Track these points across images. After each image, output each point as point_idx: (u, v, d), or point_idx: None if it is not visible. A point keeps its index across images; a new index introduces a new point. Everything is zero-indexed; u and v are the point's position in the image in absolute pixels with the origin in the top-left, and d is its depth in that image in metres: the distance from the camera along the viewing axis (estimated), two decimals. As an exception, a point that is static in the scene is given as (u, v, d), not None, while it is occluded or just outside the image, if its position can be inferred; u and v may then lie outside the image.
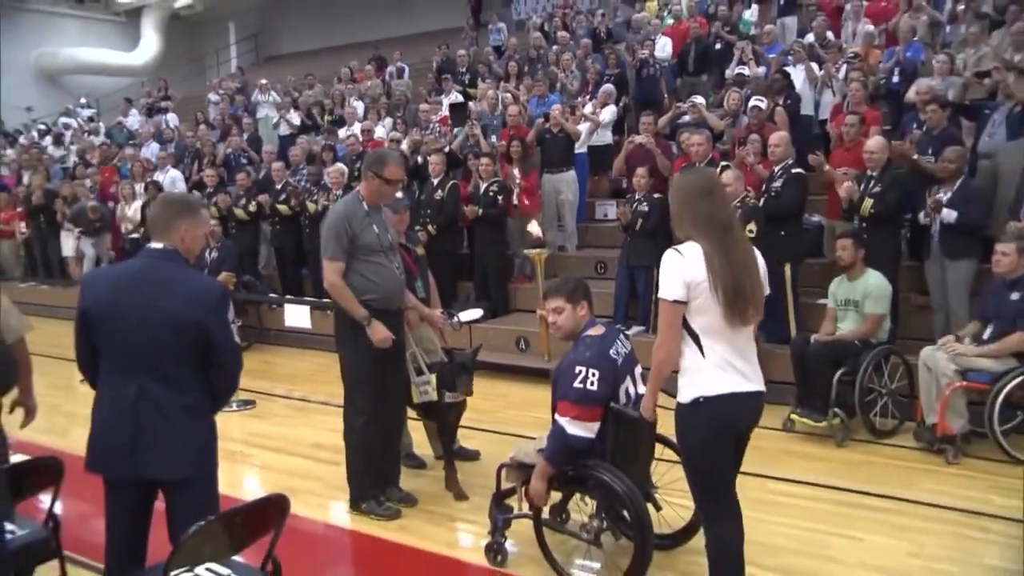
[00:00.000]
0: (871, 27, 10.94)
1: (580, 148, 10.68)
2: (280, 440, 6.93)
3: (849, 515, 5.06)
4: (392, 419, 5.36)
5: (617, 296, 8.47)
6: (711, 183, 3.64)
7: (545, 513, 4.35)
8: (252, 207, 11.16)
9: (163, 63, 26.57)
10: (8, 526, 3.46)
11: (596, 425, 3.97)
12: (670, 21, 13.95)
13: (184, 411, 3.30)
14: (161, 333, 3.23)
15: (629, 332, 7.25)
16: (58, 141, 18.05)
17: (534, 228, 8.21)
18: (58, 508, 3.79)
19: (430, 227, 9.48)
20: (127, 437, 3.25)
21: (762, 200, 7.46)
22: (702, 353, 3.45)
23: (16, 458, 3.75)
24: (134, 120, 18.49)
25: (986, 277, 6.69)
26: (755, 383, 3.55)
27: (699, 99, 10.40)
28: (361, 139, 11.81)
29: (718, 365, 3.45)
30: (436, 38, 18.79)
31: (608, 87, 11.37)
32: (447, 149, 10.63)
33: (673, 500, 4.35)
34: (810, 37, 11.55)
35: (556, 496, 4.35)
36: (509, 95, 11.92)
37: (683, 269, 3.40)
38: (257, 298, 10.73)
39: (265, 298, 10.87)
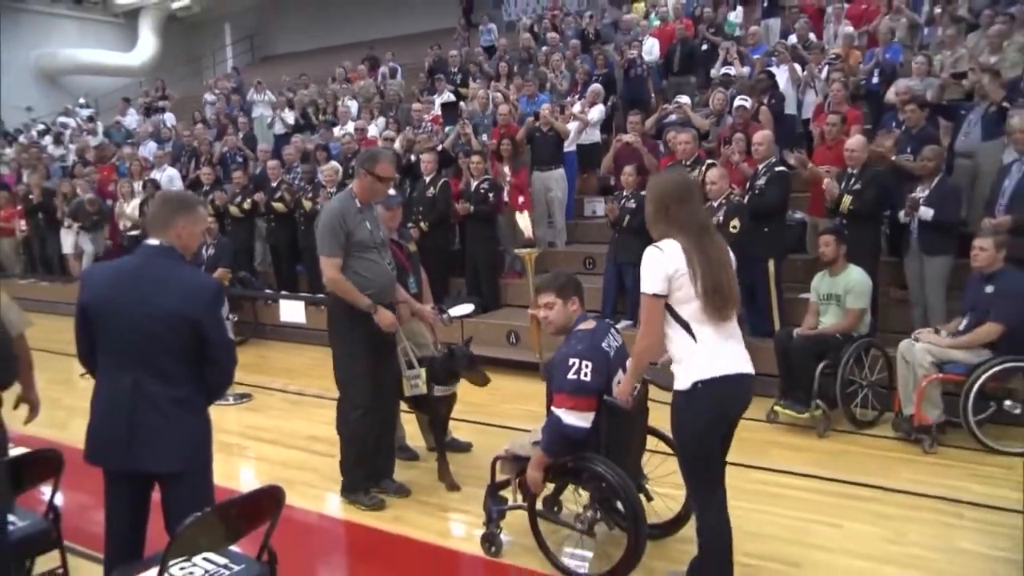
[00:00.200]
0: (851, 29, 11.05)
1: (569, 146, 10.80)
2: (276, 433, 6.99)
3: (830, 503, 5.14)
4: (385, 412, 5.43)
5: (605, 291, 8.58)
6: (688, 187, 3.73)
7: (538, 504, 4.42)
8: (248, 205, 11.26)
9: (160, 63, 26.53)
10: (9, 517, 3.52)
11: (591, 415, 4.01)
12: (657, 23, 14.01)
13: (179, 405, 3.33)
14: (156, 329, 3.25)
15: (618, 326, 7.34)
16: (58, 140, 18.08)
17: (525, 227, 8.30)
18: (58, 500, 3.84)
19: (422, 224, 9.54)
20: (123, 431, 3.29)
21: (746, 197, 7.58)
22: (694, 338, 3.56)
23: (16, 451, 3.72)
24: (132, 120, 18.51)
25: (962, 272, 6.84)
26: (747, 366, 3.68)
27: (684, 99, 10.50)
28: (355, 138, 11.90)
29: (710, 349, 3.56)
30: (428, 39, 18.82)
31: (596, 87, 11.46)
32: (439, 147, 10.71)
33: (663, 491, 4.43)
34: (793, 38, 11.66)
35: (550, 487, 4.41)
36: (500, 94, 12.02)
37: (663, 263, 3.53)
38: (253, 294, 10.79)
39: (261, 294, 10.93)
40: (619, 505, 4.16)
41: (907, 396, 6.08)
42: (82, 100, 22.24)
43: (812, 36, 11.59)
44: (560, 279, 4.37)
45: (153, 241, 3.43)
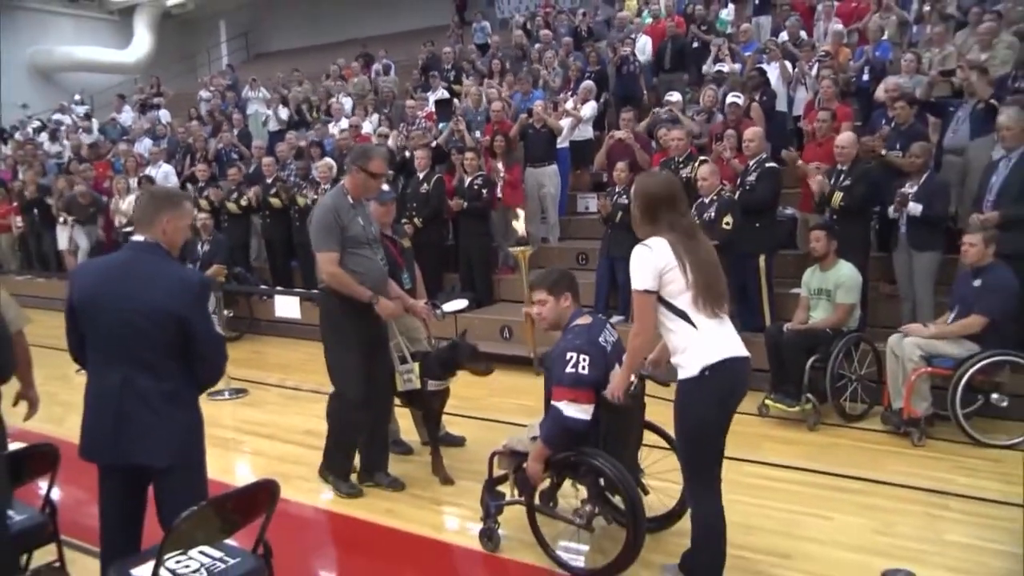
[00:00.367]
0: (840, 26, 11.09)
1: (562, 143, 10.83)
2: (272, 427, 7.01)
3: (820, 496, 5.18)
4: (378, 407, 5.47)
5: (598, 286, 8.64)
6: (673, 192, 3.77)
7: (535, 499, 4.44)
8: (244, 201, 11.30)
9: (155, 60, 26.52)
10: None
11: (591, 407, 4.03)
12: (649, 20, 14.04)
13: (167, 400, 3.34)
14: (143, 325, 3.26)
15: (611, 321, 7.39)
16: (53, 137, 18.08)
17: (519, 226, 8.34)
18: (55, 494, 3.88)
19: (416, 220, 9.56)
20: (112, 426, 3.31)
21: (737, 193, 7.63)
22: (694, 326, 3.61)
23: (13, 446, 3.74)
24: (127, 116, 18.52)
25: (951, 268, 6.92)
26: (744, 350, 3.73)
27: (675, 96, 10.55)
28: (349, 134, 11.92)
29: (711, 335, 3.62)
30: (422, 36, 18.82)
31: (589, 83, 11.48)
32: (433, 144, 10.76)
33: (659, 485, 4.46)
34: (784, 36, 11.70)
35: (547, 483, 4.42)
36: (494, 91, 12.06)
37: (652, 259, 3.59)
38: (248, 289, 10.81)
39: (256, 289, 10.94)
40: (616, 499, 4.20)
41: (896, 390, 6.13)
42: (77, 97, 22.22)
43: (803, 34, 11.62)
44: (552, 276, 4.40)
45: (139, 237, 3.44)
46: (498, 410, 7.06)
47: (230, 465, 6.28)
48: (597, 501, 4.24)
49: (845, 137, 7.44)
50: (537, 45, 14.28)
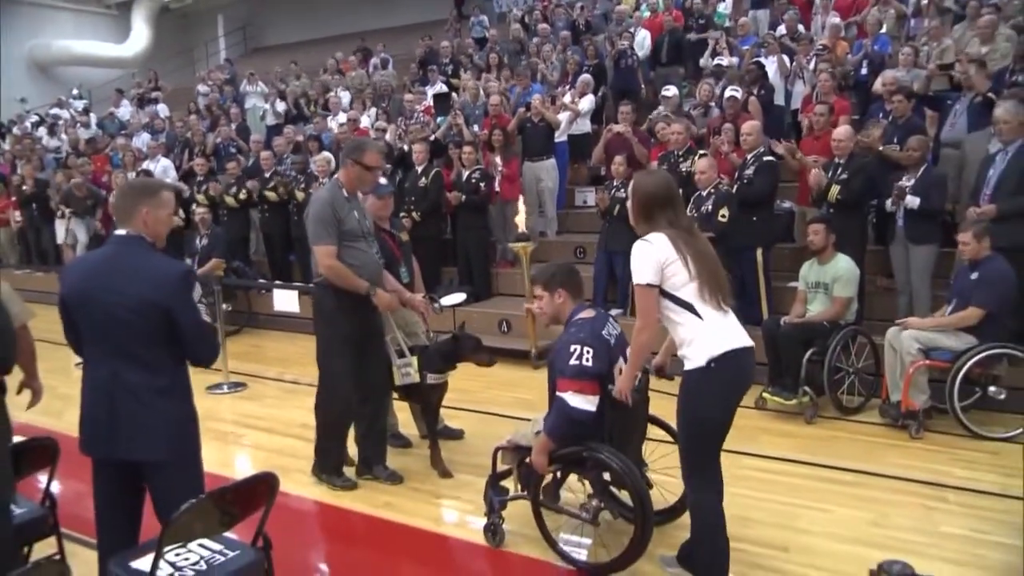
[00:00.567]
0: (838, 20, 11.08)
1: (560, 137, 10.86)
2: (271, 421, 7.03)
3: (818, 488, 5.21)
4: (374, 401, 5.49)
5: (596, 280, 8.66)
6: (670, 191, 3.79)
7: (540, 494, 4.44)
8: (242, 195, 11.30)
9: (153, 55, 26.39)
10: (7, 504, 3.56)
11: (596, 399, 4.03)
12: (647, 14, 14.03)
13: (158, 394, 3.34)
14: (129, 318, 3.27)
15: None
16: (52, 131, 18.07)
17: (520, 221, 8.36)
18: (55, 487, 3.90)
19: (414, 214, 9.58)
20: (104, 420, 3.34)
21: (735, 187, 7.64)
22: (699, 317, 3.61)
23: (14, 439, 3.71)
24: (125, 111, 18.50)
25: (948, 261, 6.96)
26: (749, 340, 3.74)
27: (672, 90, 10.56)
28: (347, 128, 11.92)
29: (717, 325, 3.63)
30: (419, 30, 18.83)
31: (586, 77, 11.49)
32: (431, 138, 10.76)
33: (663, 479, 4.46)
34: (782, 29, 11.70)
35: (551, 477, 4.41)
36: (493, 85, 12.05)
37: (653, 254, 3.60)
38: (246, 283, 10.82)
39: (254, 283, 10.95)
40: (622, 494, 4.21)
41: (895, 383, 6.16)
42: (75, 91, 22.17)
43: (800, 27, 11.61)
44: (547, 272, 4.41)
45: (120, 231, 3.44)
46: (496, 403, 7.08)
47: (229, 459, 6.30)
48: (603, 496, 4.24)
49: (842, 131, 7.44)
50: (535, 39, 14.27)
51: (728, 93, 9.15)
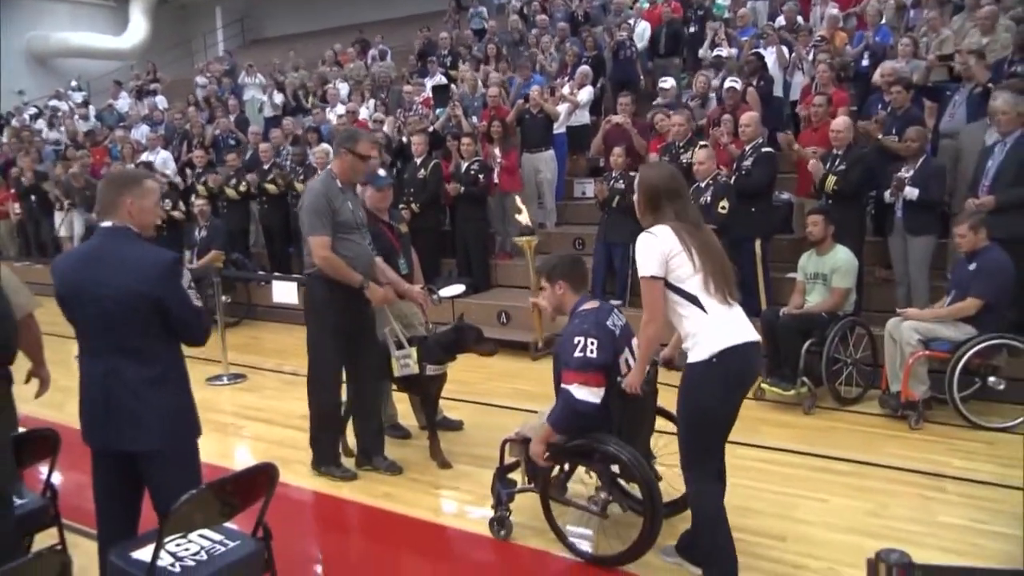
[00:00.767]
0: (836, 11, 11.06)
1: (559, 128, 10.86)
2: (270, 412, 7.04)
3: (816, 478, 5.23)
4: (365, 393, 5.51)
5: (595, 271, 8.65)
6: (676, 183, 3.79)
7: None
8: (243, 187, 11.31)
9: (151, 47, 26.37)
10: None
11: (601, 391, 4.01)
12: (646, 5, 14.01)
13: (151, 385, 3.34)
14: (120, 310, 3.26)
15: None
16: (51, 123, 18.06)
17: (523, 217, 8.35)
18: (56, 478, 3.91)
19: (413, 205, 9.58)
20: (101, 411, 3.35)
21: (733, 178, 7.65)
22: (704, 310, 3.61)
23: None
24: (124, 103, 18.50)
25: (945, 252, 6.96)
26: (755, 334, 3.73)
27: (669, 82, 10.56)
28: (347, 120, 11.92)
29: (722, 319, 3.62)
30: (418, 22, 18.83)
31: (585, 68, 11.48)
32: (430, 129, 10.76)
33: (671, 471, 4.40)
34: (781, 20, 11.69)
35: (558, 470, 4.41)
36: (493, 76, 12.03)
37: (657, 246, 3.60)
38: (246, 275, 10.84)
39: (254, 275, 10.97)
40: (628, 485, 4.21)
41: (894, 373, 6.16)
42: (74, 83, 22.15)
43: (800, 18, 11.60)
44: (549, 264, 4.40)
45: (107, 223, 3.42)
46: (495, 394, 7.10)
47: (229, 450, 6.32)
48: (612, 489, 4.25)
49: (840, 122, 7.44)
50: (534, 30, 14.25)
51: (727, 84, 9.14)
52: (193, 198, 11.26)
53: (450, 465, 5.59)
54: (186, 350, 3.53)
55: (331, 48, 17.21)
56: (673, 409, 3.97)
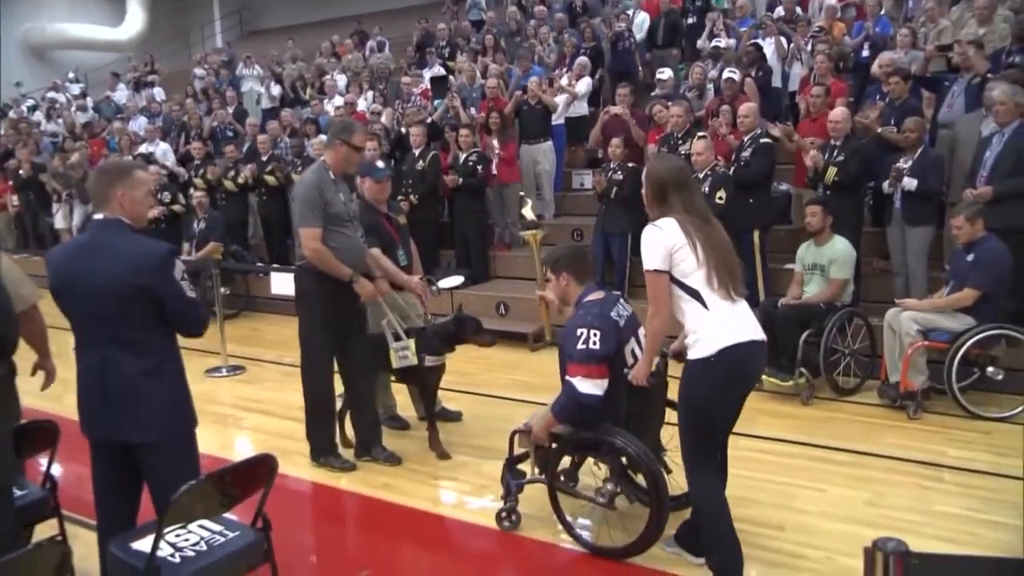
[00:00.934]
0: (834, 1, 11.01)
1: (557, 119, 10.83)
2: (269, 404, 7.05)
3: (814, 468, 5.25)
4: (359, 384, 5.52)
5: (593, 262, 8.64)
6: (684, 175, 3.80)
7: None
8: (241, 179, 11.29)
9: (149, 38, 26.28)
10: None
11: (605, 383, 4.02)
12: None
13: (146, 376, 3.34)
14: (111, 302, 3.27)
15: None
16: (49, 115, 18.04)
17: (528, 212, 8.36)
18: (55, 470, 3.92)
19: (412, 196, 9.55)
20: (97, 403, 3.36)
21: (731, 169, 7.65)
22: (706, 307, 3.60)
23: None
24: (122, 95, 18.46)
25: (944, 242, 6.95)
26: (759, 332, 3.72)
27: (667, 73, 10.54)
28: (345, 112, 11.90)
29: (724, 316, 3.61)
30: (416, 13, 18.76)
31: (583, 60, 11.46)
32: (428, 120, 10.75)
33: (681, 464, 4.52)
34: (779, 11, 11.65)
35: (567, 461, 4.41)
36: (492, 67, 12.02)
37: (662, 239, 3.60)
38: (244, 267, 10.83)
39: (252, 267, 10.97)
40: (638, 478, 4.20)
41: (893, 364, 6.18)
42: (71, 75, 22.10)
43: (798, 9, 11.57)
44: (553, 256, 4.41)
45: (99, 216, 3.42)
46: (494, 385, 7.12)
47: (229, 441, 6.35)
48: (619, 480, 4.24)
49: (838, 112, 7.44)
50: (532, 21, 14.21)
51: (725, 75, 9.12)
52: (191, 190, 11.25)
53: (449, 456, 5.60)
54: (185, 342, 3.54)
55: (329, 39, 17.15)
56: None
